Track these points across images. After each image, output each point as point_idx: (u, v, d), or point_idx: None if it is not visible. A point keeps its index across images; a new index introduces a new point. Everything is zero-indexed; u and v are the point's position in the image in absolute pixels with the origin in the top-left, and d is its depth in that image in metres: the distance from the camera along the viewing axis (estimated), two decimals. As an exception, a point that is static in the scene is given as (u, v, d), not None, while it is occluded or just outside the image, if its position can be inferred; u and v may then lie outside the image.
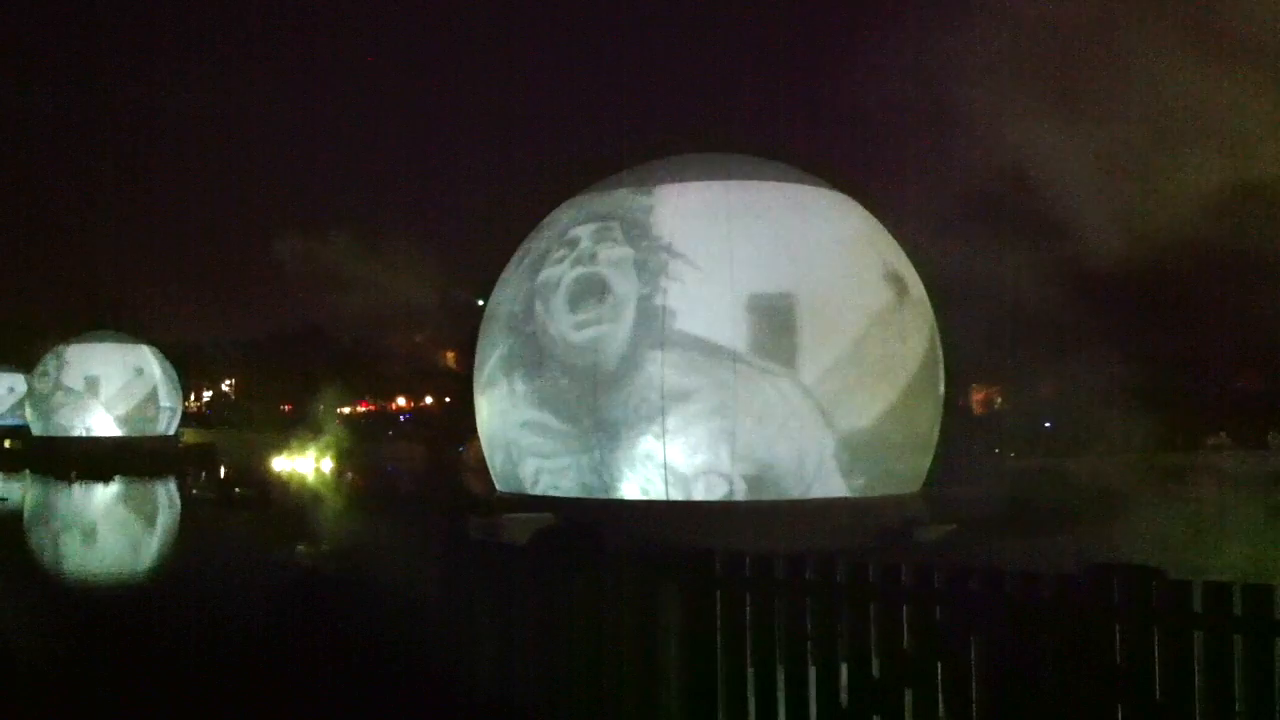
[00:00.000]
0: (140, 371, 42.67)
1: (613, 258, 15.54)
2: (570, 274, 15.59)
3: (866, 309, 18.14)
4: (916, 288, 19.58)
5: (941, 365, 19.86)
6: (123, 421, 41.52)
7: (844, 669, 7.09)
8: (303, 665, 9.66)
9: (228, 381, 76.06)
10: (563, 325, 15.62)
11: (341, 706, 8.67)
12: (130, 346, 44.09)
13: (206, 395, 74.65)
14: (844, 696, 7.09)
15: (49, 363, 42.89)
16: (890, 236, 19.69)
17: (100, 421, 41.22)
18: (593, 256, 15.80)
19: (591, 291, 15.54)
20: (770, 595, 7.34)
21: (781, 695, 7.25)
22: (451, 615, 9.22)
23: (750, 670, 7.41)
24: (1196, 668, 6.27)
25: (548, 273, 15.85)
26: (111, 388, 41.76)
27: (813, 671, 7.18)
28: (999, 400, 39.72)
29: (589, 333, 15.43)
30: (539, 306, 15.78)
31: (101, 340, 43.90)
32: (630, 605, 7.79)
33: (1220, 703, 6.21)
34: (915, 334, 19.12)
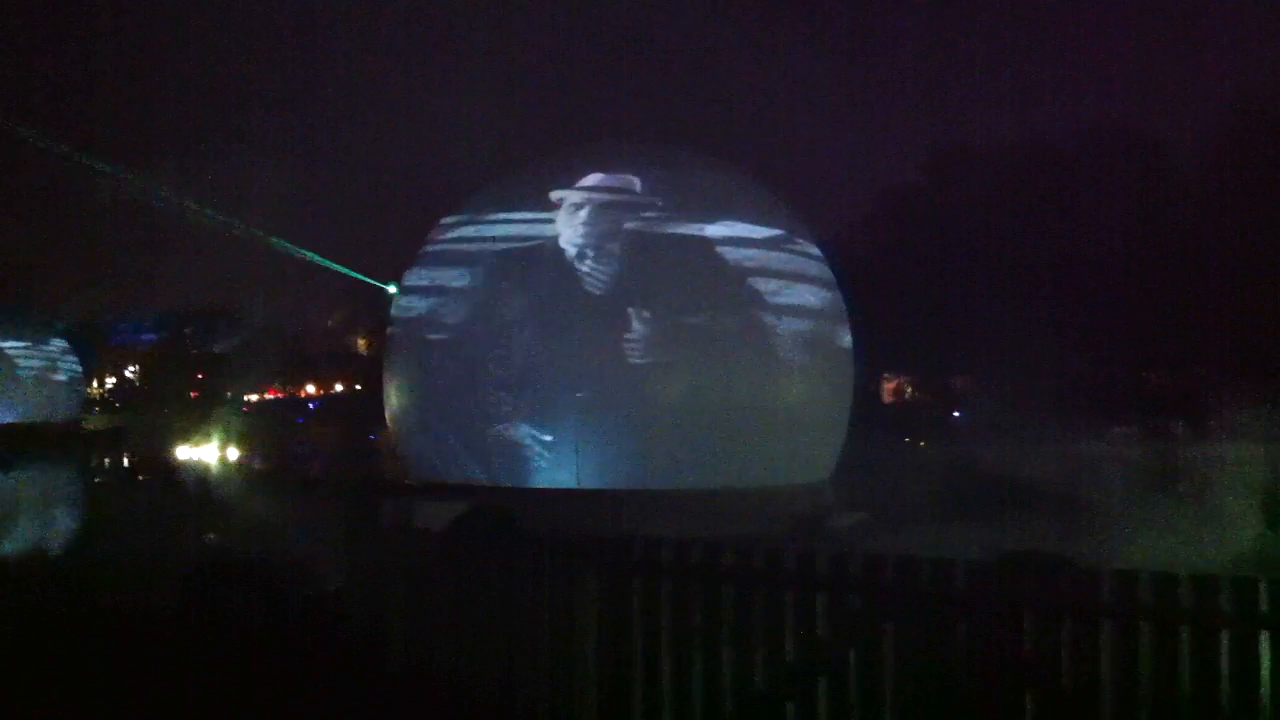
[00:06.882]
0: (43, 353, 41.65)
1: None
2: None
3: (781, 299, 18.27)
4: (828, 277, 19.74)
5: (852, 353, 20.04)
6: (24, 404, 40.42)
7: (760, 655, 7.08)
8: (207, 649, 9.47)
9: (132, 367, 74.41)
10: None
11: (242, 691, 8.51)
12: (33, 327, 42.97)
13: (110, 381, 72.99)
14: (759, 682, 7.08)
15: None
16: (804, 225, 19.81)
17: (0, 404, 40.09)
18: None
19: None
20: (687, 581, 7.31)
21: (698, 680, 7.23)
22: (361, 600, 9.07)
23: (665, 655, 7.38)
24: (1103, 657, 6.31)
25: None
26: (12, 369, 40.68)
27: (727, 657, 7.16)
28: (910, 390, 40.14)
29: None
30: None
31: (2, 319, 42.72)
32: (549, 590, 7.73)
33: (1126, 692, 6.26)
34: (827, 323, 19.27)
